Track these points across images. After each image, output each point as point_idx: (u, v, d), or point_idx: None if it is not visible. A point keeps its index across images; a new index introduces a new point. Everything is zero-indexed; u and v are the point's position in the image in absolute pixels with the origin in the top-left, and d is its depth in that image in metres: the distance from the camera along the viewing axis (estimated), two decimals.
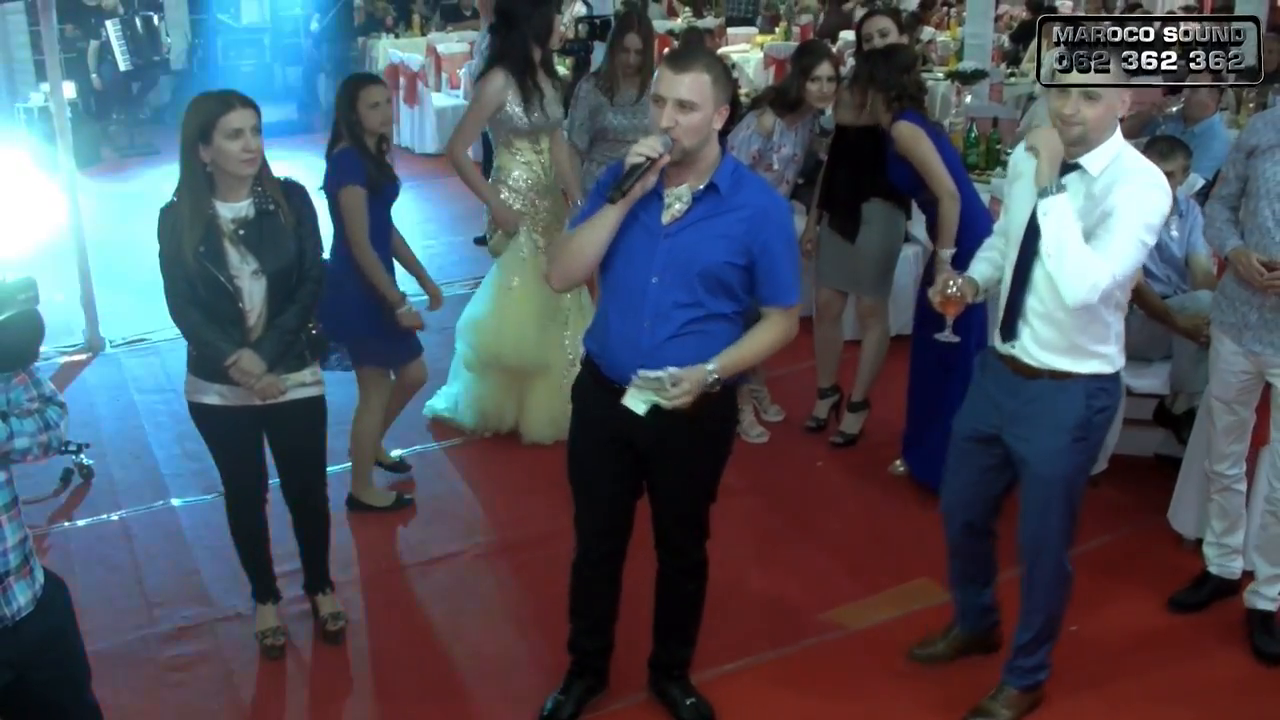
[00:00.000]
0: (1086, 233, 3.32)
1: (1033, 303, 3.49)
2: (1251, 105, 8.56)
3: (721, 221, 3.28)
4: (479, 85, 5.59)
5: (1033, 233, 3.43)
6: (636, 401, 3.25)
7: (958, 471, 3.84)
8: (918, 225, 6.57)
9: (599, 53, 8.60)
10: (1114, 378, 3.55)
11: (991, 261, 3.77)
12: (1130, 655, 4.21)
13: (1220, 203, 4.08)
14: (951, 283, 3.64)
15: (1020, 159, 3.58)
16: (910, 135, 4.89)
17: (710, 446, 3.54)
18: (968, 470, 3.80)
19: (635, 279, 3.32)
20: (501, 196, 5.58)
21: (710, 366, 3.26)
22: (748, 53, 13.60)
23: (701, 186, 3.29)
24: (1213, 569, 4.44)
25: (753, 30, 15.35)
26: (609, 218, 3.26)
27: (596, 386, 3.44)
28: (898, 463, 5.49)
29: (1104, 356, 3.50)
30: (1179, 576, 4.56)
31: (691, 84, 3.18)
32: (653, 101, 3.24)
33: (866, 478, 5.54)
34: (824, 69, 5.31)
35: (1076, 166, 3.40)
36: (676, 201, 3.29)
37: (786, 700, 4.00)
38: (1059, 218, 3.31)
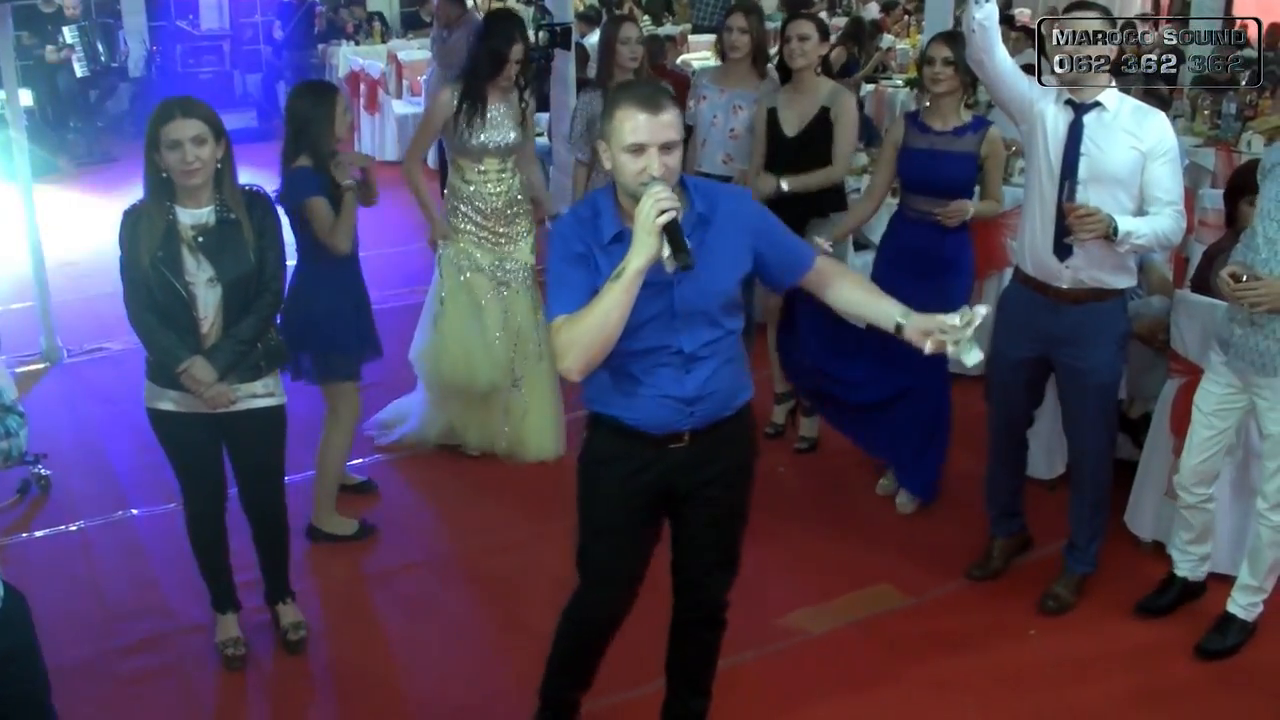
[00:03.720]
0: (1143, 160, 4.05)
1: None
2: (1206, 112, 8.65)
3: (719, 242, 3.08)
4: (431, 98, 5.66)
5: (1069, 168, 4.08)
6: (973, 353, 2.99)
7: (1004, 393, 4.56)
8: (874, 230, 6.60)
9: (560, 60, 8.60)
10: (1129, 291, 4.35)
11: None
12: (1090, 658, 4.25)
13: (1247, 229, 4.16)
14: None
15: (1042, 103, 4.17)
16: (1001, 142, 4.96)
17: (748, 473, 3.43)
18: (1016, 391, 4.51)
19: (659, 337, 3.09)
20: (457, 209, 5.62)
21: (905, 312, 3.11)
22: (709, 59, 13.63)
23: (683, 219, 3.00)
24: (1179, 573, 4.47)
25: (714, 37, 15.38)
26: (633, 284, 2.89)
27: (633, 445, 3.20)
28: (884, 481, 5.45)
29: (1133, 271, 4.30)
30: (1137, 578, 4.61)
31: (672, 122, 2.97)
32: (629, 153, 2.94)
33: (827, 483, 5.57)
34: (734, 20, 5.68)
35: (1098, 104, 4.08)
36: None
37: (747, 705, 4.01)
38: (1143, 230, 4.00)
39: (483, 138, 5.48)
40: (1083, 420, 4.40)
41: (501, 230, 5.63)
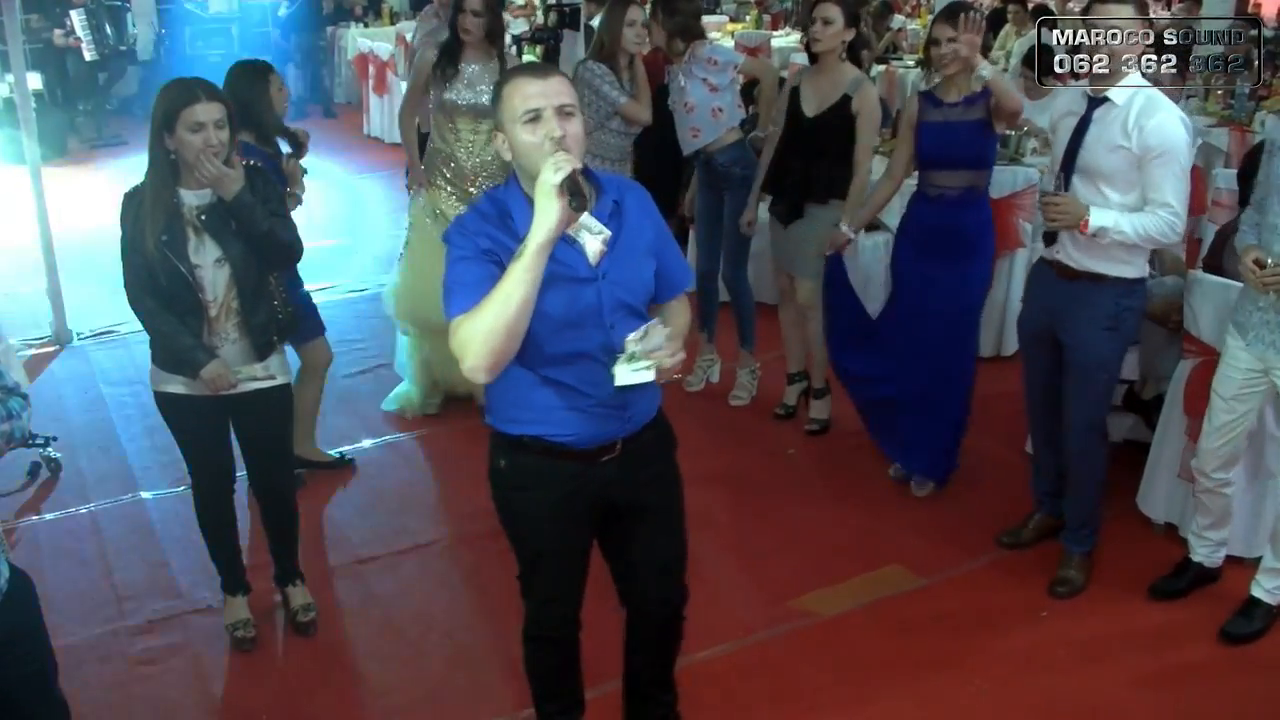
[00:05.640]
0: (1133, 159, 4.00)
1: None
2: (1220, 93, 8.60)
3: (632, 232, 2.92)
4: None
5: (1070, 157, 4.13)
6: (639, 372, 2.79)
7: (1030, 368, 4.63)
8: (890, 214, 6.58)
9: (569, 41, 8.58)
10: (1140, 281, 4.27)
11: None
12: (1103, 640, 4.23)
13: (1253, 206, 4.12)
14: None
15: (1065, 98, 4.28)
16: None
17: (677, 470, 3.24)
18: (1038, 363, 4.55)
19: (591, 338, 2.88)
20: (434, 163, 5.83)
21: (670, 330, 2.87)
22: (718, 40, 13.59)
23: (597, 207, 2.84)
24: (1195, 557, 4.43)
25: (724, 19, 15.36)
26: (536, 261, 2.65)
27: (561, 465, 3.01)
28: (897, 466, 5.41)
29: (1131, 263, 4.20)
30: (1149, 561, 4.59)
31: (563, 87, 2.80)
32: (526, 124, 2.76)
33: (837, 465, 5.55)
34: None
35: (1106, 99, 4.06)
36: (593, 234, 2.80)
37: (757, 688, 4.00)
38: (1122, 227, 4.01)
39: (454, 95, 5.64)
40: (1068, 395, 4.41)
41: (471, 191, 5.74)
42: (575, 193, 2.65)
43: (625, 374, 2.80)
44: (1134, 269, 4.21)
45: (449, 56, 5.64)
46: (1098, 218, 4.01)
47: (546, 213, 2.63)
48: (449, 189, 5.77)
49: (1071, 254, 4.22)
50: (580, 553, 3.22)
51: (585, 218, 2.77)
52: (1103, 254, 4.15)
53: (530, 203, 2.74)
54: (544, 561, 3.21)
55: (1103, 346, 4.28)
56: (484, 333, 2.66)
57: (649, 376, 2.80)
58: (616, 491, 3.10)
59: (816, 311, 5.65)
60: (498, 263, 2.75)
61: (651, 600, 3.36)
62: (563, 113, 2.76)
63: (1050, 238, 4.26)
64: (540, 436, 2.98)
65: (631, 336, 2.79)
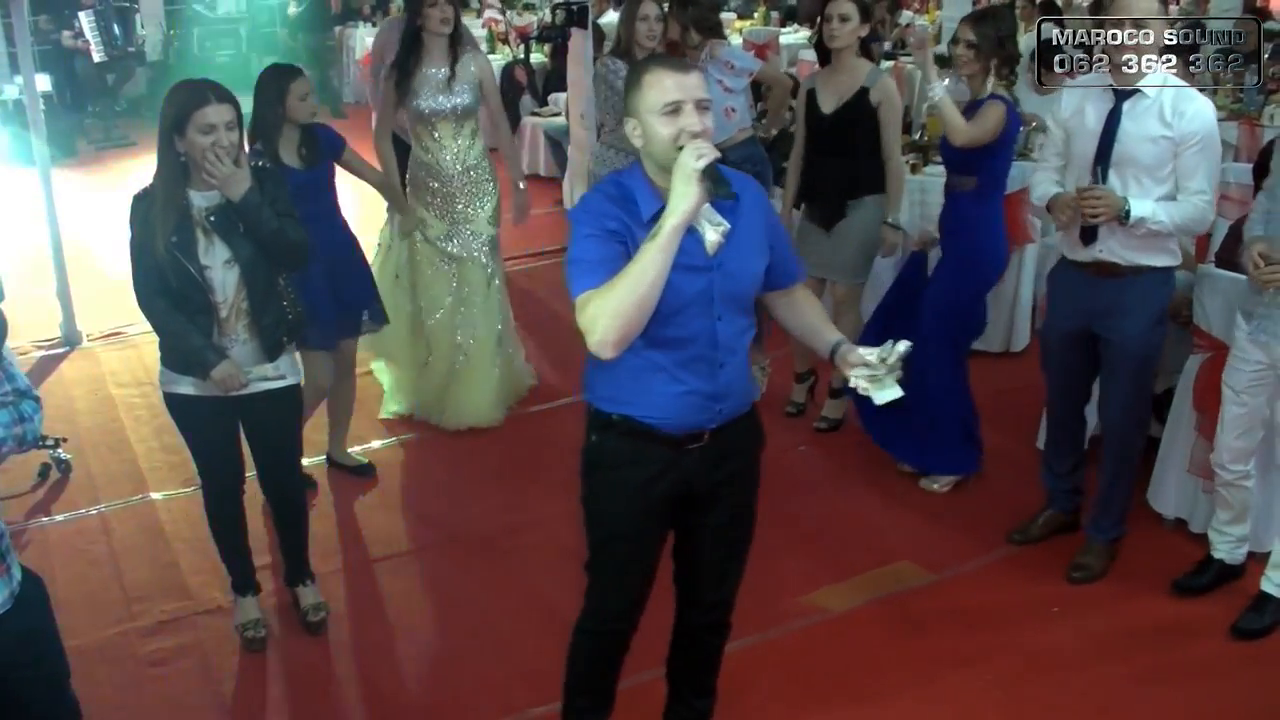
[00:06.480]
0: (1173, 148, 4.04)
1: None
2: (1230, 85, 8.56)
3: (747, 227, 2.96)
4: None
5: (1104, 152, 4.11)
6: (894, 388, 2.90)
7: (1057, 371, 4.60)
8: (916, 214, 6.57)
9: (577, 39, 8.56)
10: (1174, 269, 4.31)
11: (1054, 182, 4.38)
12: (1113, 635, 4.22)
13: (1265, 193, 4.13)
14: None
15: (1075, 96, 4.26)
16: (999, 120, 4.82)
17: (759, 468, 3.27)
18: (1069, 366, 4.53)
19: (697, 326, 2.93)
20: (418, 176, 5.71)
21: (840, 340, 3.07)
22: (731, 36, 13.58)
23: (718, 200, 2.80)
24: (1217, 554, 4.41)
25: (731, 16, 15.33)
26: (670, 242, 2.71)
27: (649, 447, 3.03)
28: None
29: (1173, 251, 4.24)
30: (1160, 556, 4.58)
31: (701, 82, 2.87)
32: (664, 115, 2.82)
33: (848, 462, 5.54)
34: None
35: (1138, 91, 4.07)
36: (713, 226, 2.85)
37: (769, 684, 4.00)
38: (1159, 217, 4.04)
39: (428, 102, 5.48)
40: (1111, 391, 4.39)
41: (459, 198, 5.66)
42: (717, 180, 2.71)
43: (885, 395, 2.91)
44: (1175, 257, 4.27)
45: (404, 71, 5.48)
46: (1138, 208, 4.02)
47: (685, 196, 2.70)
48: (431, 200, 5.67)
49: (1117, 251, 4.18)
50: (652, 545, 3.21)
51: (706, 208, 2.82)
52: (1150, 246, 4.15)
53: (654, 188, 2.89)
54: (615, 547, 3.19)
55: (1153, 337, 4.31)
56: (614, 308, 2.73)
57: (899, 391, 2.91)
58: (698, 482, 3.11)
59: (851, 308, 5.66)
60: (623, 243, 2.84)
61: (707, 600, 3.37)
62: (700, 107, 2.84)
63: (1089, 235, 4.21)
64: (629, 416, 3.02)
65: (871, 359, 2.89)
